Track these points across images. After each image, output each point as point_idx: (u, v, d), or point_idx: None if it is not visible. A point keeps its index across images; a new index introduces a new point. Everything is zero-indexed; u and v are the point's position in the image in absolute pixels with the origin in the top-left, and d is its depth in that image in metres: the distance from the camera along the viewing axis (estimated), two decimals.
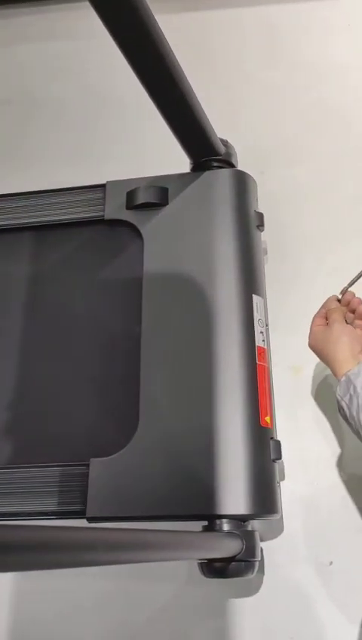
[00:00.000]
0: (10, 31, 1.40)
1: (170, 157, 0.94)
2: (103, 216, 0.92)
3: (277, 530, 0.82)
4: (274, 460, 0.76)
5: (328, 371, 0.92)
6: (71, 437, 0.82)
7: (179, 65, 0.74)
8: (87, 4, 0.62)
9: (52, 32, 1.37)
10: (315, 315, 0.82)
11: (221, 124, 0.90)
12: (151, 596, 0.84)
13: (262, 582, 0.80)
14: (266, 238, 0.98)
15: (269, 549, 0.81)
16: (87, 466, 0.77)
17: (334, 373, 0.74)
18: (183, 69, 0.75)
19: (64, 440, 0.83)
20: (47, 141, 1.24)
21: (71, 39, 1.35)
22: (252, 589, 0.81)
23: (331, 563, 0.79)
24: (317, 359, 0.89)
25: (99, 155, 1.19)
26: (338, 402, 0.71)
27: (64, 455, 0.80)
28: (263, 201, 0.95)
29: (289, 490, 0.82)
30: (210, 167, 0.92)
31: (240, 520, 0.72)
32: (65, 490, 0.77)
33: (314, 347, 0.80)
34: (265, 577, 0.81)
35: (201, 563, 0.74)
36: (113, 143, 1.20)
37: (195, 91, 0.79)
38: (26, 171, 1.20)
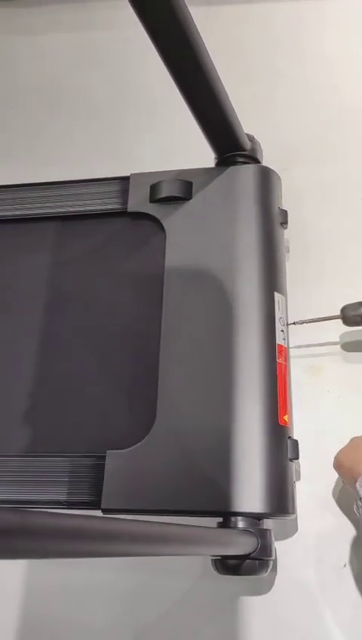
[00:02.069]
0: (42, 19, 1.40)
1: (195, 151, 0.93)
2: (126, 208, 0.92)
3: (292, 529, 0.82)
4: (291, 460, 0.76)
5: (349, 372, 0.92)
6: (88, 428, 0.83)
7: (210, 58, 0.73)
8: None
9: (84, 22, 1.37)
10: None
11: (246, 118, 0.89)
12: (163, 590, 0.84)
13: (274, 581, 0.80)
14: (289, 235, 0.97)
15: (282, 549, 0.81)
16: (104, 457, 0.77)
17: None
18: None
19: (81, 431, 0.83)
20: (73, 130, 1.24)
21: (102, 30, 1.35)
22: (264, 588, 0.80)
23: (344, 565, 0.78)
24: (337, 358, 0.89)
25: (125, 146, 1.19)
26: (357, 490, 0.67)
27: (81, 446, 0.80)
28: (287, 199, 0.94)
29: (304, 491, 0.82)
30: (235, 163, 0.91)
31: (255, 518, 0.72)
32: (81, 480, 0.77)
33: (340, 458, 0.77)
34: (277, 577, 0.80)
35: (215, 559, 0.74)
36: (139, 134, 1.20)
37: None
38: (51, 160, 1.20)
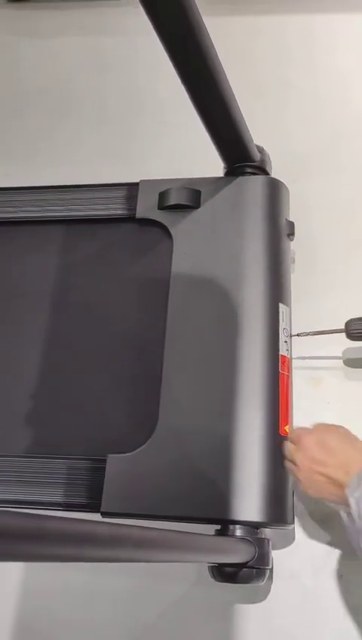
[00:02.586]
0: (54, 22, 1.41)
1: (204, 157, 0.94)
2: (135, 214, 0.93)
3: (289, 539, 0.82)
4: None
5: (348, 385, 0.93)
6: (90, 431, 0.83)
7: (222, 68, 0.74)
8: (135, 1, 0.62)
9: (95, 27, 1.38)
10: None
11: (257, 129, 0.90)
12: (159, 595, 0.84)
13: (270, 590, 0.80)
14: (295, 247, 0.98)
15: (279, 558, 0.81)
16: (105, 461, 0.77)
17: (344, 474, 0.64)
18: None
19: (83, 434, 0.83)
20: (82, 134, 1.25)
21: (114, 35, 1.36)
22: (259, 596, 0.81)
23: (341, 576, 0.78)
24: (338, 372, 0.89)
25: (134, 152, 1.20)
26: (346, 498, 0.62)
27: (82, 449, 0.81)
28: (295, 210, 0.95)
29: (302, 501, 0.82)
30: (244, 173, 0.92)
31: (253, 527, 0.73)
32: (81, 483, 0.78)
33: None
34: (273, 586, 0.81)
35: (212, 567, 0.74)
36: (148, 141, 1.21)
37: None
38: (60, 163, 1.21)
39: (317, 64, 1.23)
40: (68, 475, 0.79)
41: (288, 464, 0.72)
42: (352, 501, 0.60)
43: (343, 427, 0.70)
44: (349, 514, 0.61)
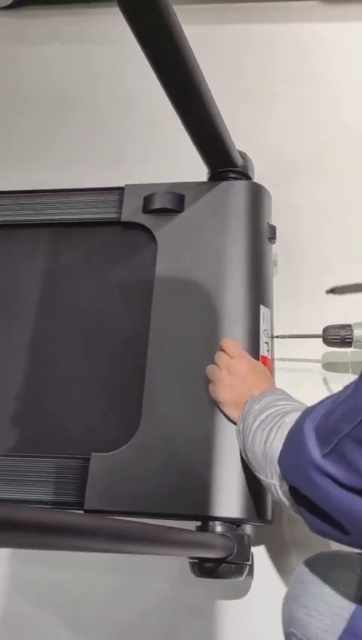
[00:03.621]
0: (48, 30, 1.43)
1: (189, 165, 0.96)
2: (120, 218, 0.95)
3: (269, 535, 0.84)
4: None
5: (324, 389, 0.95)
6: (74, 431, 0.85)
7: (203, 77, 0.76)
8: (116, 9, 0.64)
9: (88, 35, 1.41)
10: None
11: (241, 135, 0.92)
12: (142, 593, 0.86)
13: (250, 586, 0.82)
14: (278, 251, 1.00)
15: (260, 555, 0.83)
16: (88, 459, 0.79)
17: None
18: (212, 80, 0.77)
19: (67, 433, 0.85)
20: (74, 140, 1.27)
21: (105, 44, 1.38)
22: (240, 592, 0.82)
23: None
24: (321, 374, 0.91)
25: (123, 157, 1.22)
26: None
27: (66, 448, 0.82)
28: (278, 214, 0.97)
29: None
30: (227, 178, 0.94)
31: (232, 523, 0.74)
32: (65, 481, 0.79)
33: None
34: (253, 582, 0.82)
35: (193, 562, 0.76)
36: (137, 146, 1.23)
37: (220, 102, 0.81)
38: (53, 167, 1.22)
39: (304, 73, 1.26)
40: (51, 474, 0.80)
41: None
42: (240, 417, 0.70)
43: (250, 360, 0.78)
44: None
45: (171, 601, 0.85)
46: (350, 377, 0.94)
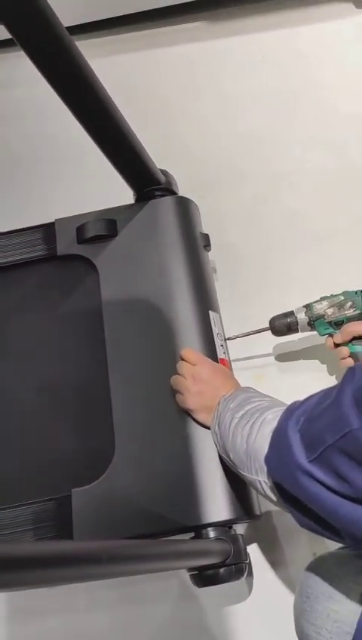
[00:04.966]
0: None
1: (112, 191, 0.98)
2: (56, 252, 0.95)
3: (259, 531, 0.85)
4: None
5: (289, 377, 0.99)
6: (50, 472, 0.83)
7: (113, 102, 0.79)
8: (22, 52, 0.66)
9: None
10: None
11: (158, 156, 0.95)
12: (146, 619, 0.85)
13: (252, 585, 0.83)
14: (213, 257, 1.04)
15: (255, 552, 0.84)
16: (70, 497, 0.78)
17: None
18: (120, 107, 0.80)
19: (43, 476, 0.83)
20: None
21: (5, 88, 1.39)
22: (244, 594, 0.83)
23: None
24: (276, 366, 0.94)
25: (44, 196, 1.23)
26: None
27: (45, 491, 0.81)
28: (207, 223, 1.01)
29: None
30: (154, 196, 0.97)
31: (224, 526, 0.75)
32: (51, 524, 0.78)
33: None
34: (254, 580, 0.83)
35: (192, 574, 0.76)
36: (57, 182, 1.24)
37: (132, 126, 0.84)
38: None
39: (200, 89, 1.32)
40: (36, 519, 0.78)
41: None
42: (215, 417, 0.71)
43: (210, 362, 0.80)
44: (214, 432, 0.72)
45: (176, 621, 0.84)
46: (303, 363, 0.98)
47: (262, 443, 0.56)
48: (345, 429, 0.44)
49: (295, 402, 0.56)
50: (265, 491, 0.58)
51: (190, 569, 0.76)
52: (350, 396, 0.45)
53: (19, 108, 1.38)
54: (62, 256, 0.95)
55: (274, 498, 0.57)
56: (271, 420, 0.57)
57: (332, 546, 0.70)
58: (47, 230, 0.98)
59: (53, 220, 0.98)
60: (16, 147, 1.33)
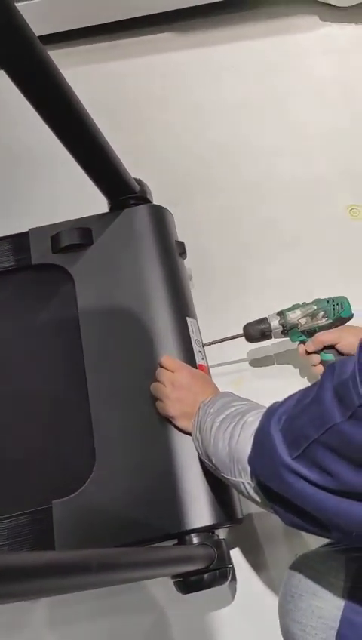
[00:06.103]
0: None
1: (85, 201, 0.98)
2: (31, 261, 0.94)
3: (241, 534, 0.86)
4: None
5: (266, 382, 1.00)
6: (29, 483, 0.82)
7: (87, 112, 0.79)
8: None
9: None
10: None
11: (130, 165, 0.96)
12: (135, 629, 0.84)
13: (236, 588, 0.83)
14: (189, 264, 1.05)
15: (237, 556, 0.84)
16: (50, 509, 0.77)
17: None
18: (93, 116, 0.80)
19: (23, 487, 0.82)
20: None
21: None
22: (228, 598, 0.83)
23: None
24: (251, 371, 0.95)
25: (18, 208, 1.22)
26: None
27: (25, 502, 0.79)
28: (182, 231, 1.02)
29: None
30: (128, 205, 0.97)
31: (207, 531, 0.75)
32: (32, 536, 0.76)
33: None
34: (237, 584, 0.84)
35: (177, 581, 0.76)
36: (30, 194, 1.23)
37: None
38: None
39: (168, 99, 1.33)
40: (15, 533, 0.77)
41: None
42: (195, 423, 0.72)
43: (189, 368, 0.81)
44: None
45: (162, 629, 0.84)
46: (277, 368, 1.00)
47: (245, 445, 0.57)
48: (328, 424, 0.45)
49: (275, 403, 0.57)
50: (248, 493, 0.59)
51: (174, 576, 0.76)
52: (331, 392, 0.46)
53: None
54: (37, 265, 0.94)
55: (258, 499, 0.58)
56: (252, 422, 0.58)
57: (314, 544, 0.72)
58: (21, 239, 0.97)
59: (27, 230, 0.98)
60: None
